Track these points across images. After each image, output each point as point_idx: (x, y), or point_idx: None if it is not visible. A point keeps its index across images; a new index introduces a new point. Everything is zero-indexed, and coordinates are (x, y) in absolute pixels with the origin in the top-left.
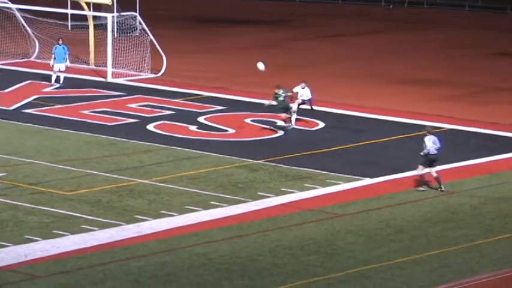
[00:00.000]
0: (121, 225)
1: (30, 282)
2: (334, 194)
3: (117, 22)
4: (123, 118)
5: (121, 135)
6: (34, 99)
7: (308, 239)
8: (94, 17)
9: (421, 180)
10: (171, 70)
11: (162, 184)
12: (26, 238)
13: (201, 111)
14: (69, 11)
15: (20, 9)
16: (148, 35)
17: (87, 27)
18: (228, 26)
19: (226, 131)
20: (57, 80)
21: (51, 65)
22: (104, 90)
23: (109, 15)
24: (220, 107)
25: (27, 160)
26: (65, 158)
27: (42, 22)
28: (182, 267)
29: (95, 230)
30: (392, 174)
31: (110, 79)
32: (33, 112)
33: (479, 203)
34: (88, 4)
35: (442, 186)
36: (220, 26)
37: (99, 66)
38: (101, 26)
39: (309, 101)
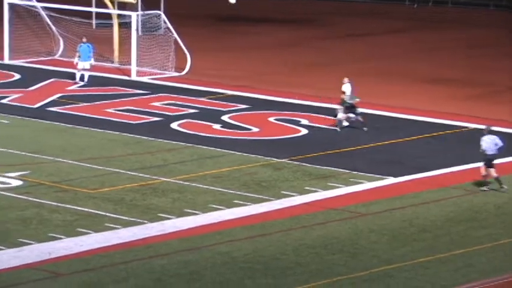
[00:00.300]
0: (144, 223)
1: (53, 280)
2: (357, 193)
3: (141, 20)
4: (147, 116)
5: (145, 134)
6: (58, 98)
7: (331, 238)
8: (119, 16)
9: (484, 181)
10: (194, 68)
11: (185, 183)
12: (50, 236)
13: (225, 109)
14: (94, 10)
15: (44, 8)
16: (172, 34)
17: (112, 25)
18: (250, 25)
19: (250, 129)
20: (82, 78)
21: (75, 63)
22: (128, 89)
23: (133, 14)
24: (244, 106)
25: (52, 158)
26: (89, 156)
27: (66, 20)
28: (205, 266)
29: (118, 229)
30: (416, 173)
31: (134, 77)
32: (58, 110)
33: (503, 202)
34: (113, 2)
35: (503, 186)
36: (242, 24)
37: (124, 65)
38: (125, 25)
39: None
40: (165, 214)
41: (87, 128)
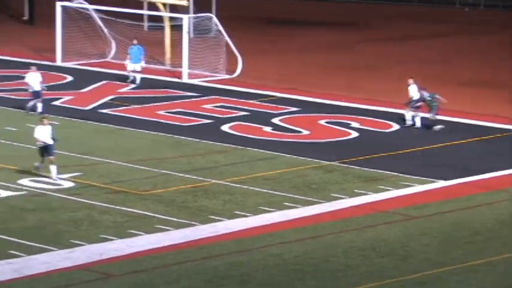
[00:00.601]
0: (195, 225)
1: (104, 281)
2: (407, 196)
3: (193, 23)
4: (198, 119)
5: (196, 136)
6: (110, 100)
7: (381, 240)
8: (170, 18)
9: None
10: (244, 71)
11: (236, 185)
12: (101, 237)
13: (275, 112)
14: (146, 12)
15: (96, 10)
16: (223, 36)
17: (163, 28)
18: (299, 28)
19: (300, 132)
20: (133, 80)
21: (126, 65)
22: (179, 91)
23: (185, 16)
24: (294, 108)
25: (103, 160)
26: (139, 158)
27: (118, 23)
28: (256, 268)
29: (169, 230)
30: (467, 176)
31: (185, 80)
32: (109, 112)
33: None
34: (164, 5)
35: None
36: (291, 27)
37: (175, 67)
38: (177, 27)
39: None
40: (216, 216)
41: (139, 129)
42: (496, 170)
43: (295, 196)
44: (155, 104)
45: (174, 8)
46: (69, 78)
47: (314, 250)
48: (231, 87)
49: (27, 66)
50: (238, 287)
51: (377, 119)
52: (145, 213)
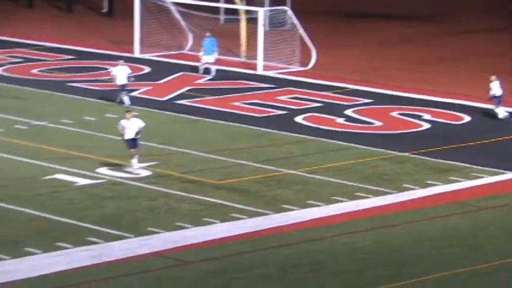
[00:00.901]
0: (269, 214)
1: (180, 268)
2: (478, 187)
3: (268, 16)
4: (273, 110)
5: (270, 127)
6: (187, 91)
7: (452, 230)
8: (246, 11)
9: None
10: (318, 63)
11: (309, 175)
12: (177, 225)
13: (348, 103)
14: (223, 5)
15: (174, 3)
16: (298, 29)
17: (239, 20)
18: (371, 21)
19: (373, 123)
20: (207, 71)
21: (200, 57)
22: (255, 83)
23: (260, 10)
24: (366, 100)
25: (179, 149)
26: (215, 148)
27: (195, 15)
28: (327, 256)
29: (243, 219)
30: None
31: (260, 71)
32: (186, 103)
33: None
34: None
35: None
36: (364, 20)
37: (250, 59)
38: (252, 20)
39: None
40: (289, 205)
41: (214, 120)
42: None
43: (367, 186)
44: (231, 95)
45: (250, 1)
46: (147, 69)
47: (385, 240)
48: (305, 79)
49: (108, 58)
50: (310, 275)
51: (449, 111)
52: (221, 202)
